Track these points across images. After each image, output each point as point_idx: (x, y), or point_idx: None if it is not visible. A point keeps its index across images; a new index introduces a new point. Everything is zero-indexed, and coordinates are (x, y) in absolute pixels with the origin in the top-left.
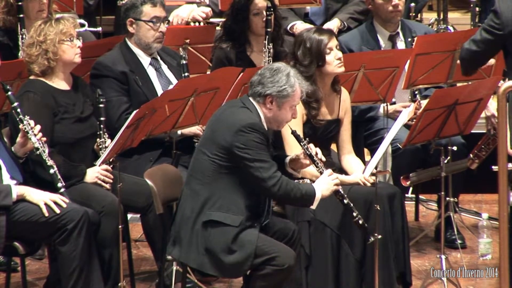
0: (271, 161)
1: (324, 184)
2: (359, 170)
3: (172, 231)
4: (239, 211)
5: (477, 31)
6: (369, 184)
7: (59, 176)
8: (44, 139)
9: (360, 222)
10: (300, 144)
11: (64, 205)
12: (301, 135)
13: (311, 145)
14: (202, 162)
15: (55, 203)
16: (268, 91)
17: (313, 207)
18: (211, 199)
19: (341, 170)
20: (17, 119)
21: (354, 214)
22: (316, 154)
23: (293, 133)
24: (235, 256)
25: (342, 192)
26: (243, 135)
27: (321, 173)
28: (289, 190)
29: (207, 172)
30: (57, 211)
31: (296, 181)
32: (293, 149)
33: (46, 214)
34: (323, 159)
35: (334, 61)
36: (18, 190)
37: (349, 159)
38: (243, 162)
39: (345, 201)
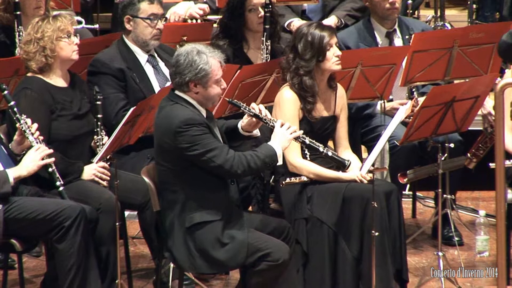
0: (219, 145)
1: (281, 136)
2: (356, 167)
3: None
4: (216, 203)
5: None
6: (366, 181)
7: (57, 175)
8: (41, 137)
9: (329, 154)
10: (241, 109)
11: (51, 151)
12: (297, 129)
13: (253, 105)
14: (163, 173)
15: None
16: (187, 78)
17: (280, 162)
18: (187, 203)
19: (338, 167)
20: (14, 118)
21: (320, 149)
22: (260, 111)
23: (230, 102)
24: (228, 248)
25: (299, 134)
26: (182, 135)
27: (272, 127)
28: (247, 163)
29: (171, 180)
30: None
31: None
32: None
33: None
34: (269, 115)
35: (332, 58)
36: (13, 174)
37: (346, 155)
38: (196, 159)
39: (307, 141)
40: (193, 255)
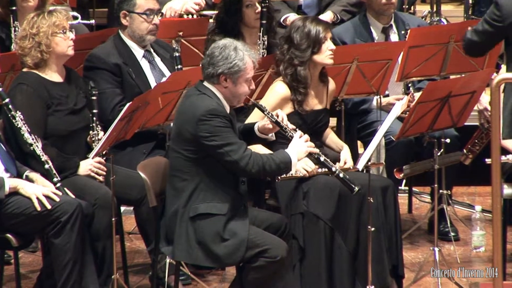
0: (238, 141)
1: (297, 147)
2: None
3: (162, 227)
4: (224, 198)
5: (479, 22)
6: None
7: (54, 171)
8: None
9: (341, 175)
10: (264, 113)
11: (57, 199)
12: (285, 121)
13: (278, 111)
14: (177, 160)
15: (48, 197)
16: (219, 70)
17: (293, 172)
18: (195, 193)
19: (334, 161)
20: (9, 115)
21: (333, 169)
22: (282, 119)
23: (255, 104)
24: (227, 244)
25: (315, 151)
26: (205, 123)
27: (291, 137)
28: (263, 165)
29: (184, 168)
30: (48, 206)
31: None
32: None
33: (38, 208)
34: (290, 125)
35: (326, 51)
36: (11, 183)
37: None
38: (212, 150)
39: (321, 158)
40: (192, 246)
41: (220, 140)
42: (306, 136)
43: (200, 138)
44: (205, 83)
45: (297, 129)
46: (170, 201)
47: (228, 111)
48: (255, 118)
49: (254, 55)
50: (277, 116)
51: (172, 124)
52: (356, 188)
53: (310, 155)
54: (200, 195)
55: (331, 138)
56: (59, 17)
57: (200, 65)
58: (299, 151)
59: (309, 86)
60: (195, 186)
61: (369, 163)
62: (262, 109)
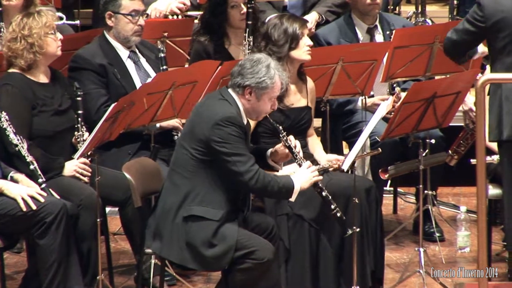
0: (248, 154)
1: (303, 176)
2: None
3: (150, 224)
4: (219, 205)
5: (460, 21)
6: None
7: (39, 172)
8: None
9: (338, 215)
10: (279, 136)
11: (42, 200)
12: (298, 148)
13: (291, 137)
14: (183, 156)
15: (33, 198)
16: (247, 82)
17: (292, 199)
18: (192, 194)
19: (316, 162)
20: None
21: (332, 207)
22: (295, 146)
23: (273, 125)
24: (216, 250)
25: (320, 184)
26: (220, 129)
27: (299, 165)
28: (266, 184)
29: (187, 166)
30: (34, 207)
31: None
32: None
33: (24, 209)
34: (301, 153)
35: (304, 47)
36: None
37: (309, 140)
38: (221, 156)
39: (324, 193)
40: (181, 246)
41: (231, 148)
42: (314, 167)
43: (211, 141)
44: (230, 90)
45: (306, 160)
46: (165, 195)
47: (245, 123)
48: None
49: (285, 77)
50: (290, 142)
51: (183, 120)
52: (349, 232)
53: (314, 187)
54: (198, 197)
55: (319, 153)
56: (49, 18)
57: (230, 73)
58: (304, 181)
59: (288, 82)
60: (192, 187)
61: (366, 152)
62: (278, 130)
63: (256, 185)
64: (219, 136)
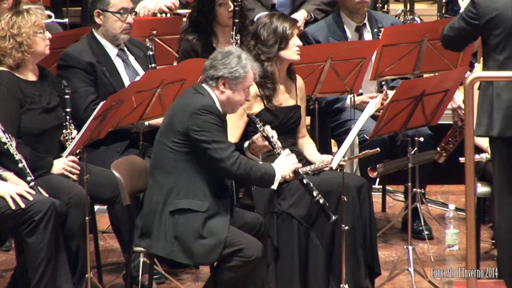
0: (228, 142)
1: (283, 164)
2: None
3: (138, 223)
4: (204, 196)
5: (455, 18)
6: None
7: (28, 170)
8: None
9: (321, 201)
10: (257, 127)
11: (31, 198)
12: (275, 138)
13: (267, 127)
14: (162, 152)
15: (22, 196)
16: (220, 73)
17: (274, 187)
18: (176, 188)
19: (309, 162)
20: None
21: (314, 193)
22: (273, 136)
23: (249, 116)
24: (206, 242)
25: (301, 172)
26: (198, 118)
27: (278, 154)
28: (248, 169)
29: (168, 161)
30: (22, 205)
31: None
32: (233, 131)
33: (13, 207)
34: (279, 142)
35: (293, 47)
36: None
37: (302, 141)
38: (201, 145)
39: (305, 180)
40: (169, 240)
41: (210, 136)
42: (293, 155)
43: (190, 131)
44: (204, 85)
45: (285, 148)
46: (150, 192)
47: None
48: (231, 124)
49: (256, 67)
50: (267, 132)
51: (162, 118)
52: (334, 217)
53: (295, 174)
54: (182, 190)
55: (313, 154)
56: (38, 17)
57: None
58: (285, 168)
59: (277, 82)
60: (175, 181)
61: (364, 152)
62: (255, 121)
63: (239, 170)
64: (197, 125)
